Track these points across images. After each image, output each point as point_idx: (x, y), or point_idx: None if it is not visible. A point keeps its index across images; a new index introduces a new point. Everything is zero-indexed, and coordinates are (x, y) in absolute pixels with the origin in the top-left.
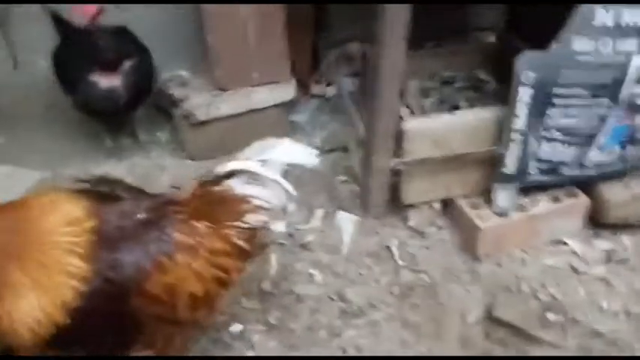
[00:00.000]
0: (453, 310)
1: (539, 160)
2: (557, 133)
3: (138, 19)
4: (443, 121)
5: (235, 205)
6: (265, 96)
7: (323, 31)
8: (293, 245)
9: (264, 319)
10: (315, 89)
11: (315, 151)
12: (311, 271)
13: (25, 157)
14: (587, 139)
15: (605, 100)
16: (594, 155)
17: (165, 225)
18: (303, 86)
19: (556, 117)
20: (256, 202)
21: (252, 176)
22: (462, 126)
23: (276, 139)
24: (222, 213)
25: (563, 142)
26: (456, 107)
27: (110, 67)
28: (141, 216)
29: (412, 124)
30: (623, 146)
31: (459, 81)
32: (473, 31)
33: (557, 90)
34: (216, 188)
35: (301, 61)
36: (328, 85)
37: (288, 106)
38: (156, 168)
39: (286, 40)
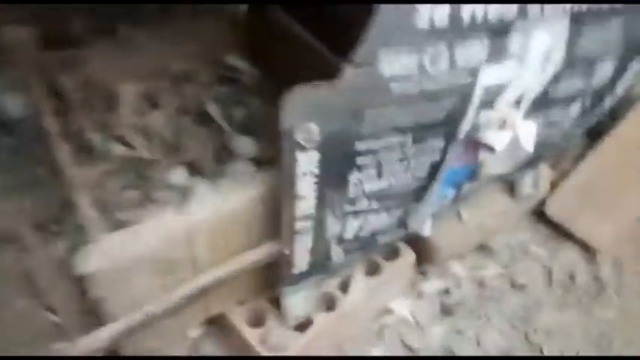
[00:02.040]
0: None
1: (345, 241)
2: (368, 202)
3: None
4: (149, 231)
5: None
6: None
7: None
8: None
9: None
10: None
11: None
12: None
13: None
14: (411, 195)
15: (437, 143)
16: (421, 210)
17: None
18: None
19: (364, 181)
20: None
21: None
22: (206, 225)
23: None
24: None
25: (377, 210)
26: (206, 115)
27: None
28: None
29: (94, 262)
30: (458, 188)
31: (201, 74)
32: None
33: (359, 145)
34: None
35: None
36: None
37: None
38: None
39: None
